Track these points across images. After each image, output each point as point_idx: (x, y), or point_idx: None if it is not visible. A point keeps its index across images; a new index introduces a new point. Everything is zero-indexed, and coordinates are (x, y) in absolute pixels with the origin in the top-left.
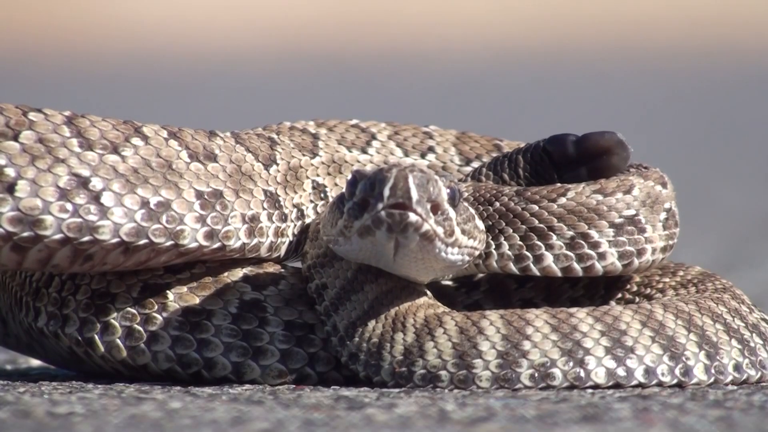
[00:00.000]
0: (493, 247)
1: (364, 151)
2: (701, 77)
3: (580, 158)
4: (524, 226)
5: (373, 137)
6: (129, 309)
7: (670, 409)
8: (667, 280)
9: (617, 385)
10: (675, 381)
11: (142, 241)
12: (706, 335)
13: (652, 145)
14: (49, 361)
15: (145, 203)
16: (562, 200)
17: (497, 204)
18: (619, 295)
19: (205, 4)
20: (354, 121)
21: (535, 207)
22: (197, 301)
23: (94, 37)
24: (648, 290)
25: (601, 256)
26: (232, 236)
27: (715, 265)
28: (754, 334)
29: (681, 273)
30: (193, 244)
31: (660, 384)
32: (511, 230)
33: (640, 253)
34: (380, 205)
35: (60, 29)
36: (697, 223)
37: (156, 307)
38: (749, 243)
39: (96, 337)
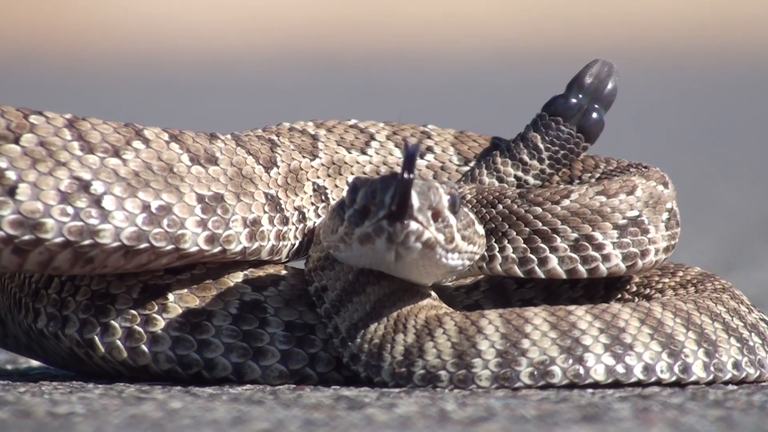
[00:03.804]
0: (497, 250)
1: (363, 152)
2: (701, 77)
3: (585, 96)
4: (528, 229)
5: (372, 138)
6: (129, 310)
7: (670, 409)
8: (666, 280)
9: (617, 385)
10: (674, 378)
11: (143, 245)
12: (705, 333)
13: (652, 145)
14: (48, 362)
15: (146, 207)
16: (566, 202)
17: (500, 207)
18: (619, 296)
19: (206, 4)
20: (353, 122)
21: (539, 209)
22: (197, 302)
23: (94, 38)
24: (647, 290)
25: (606, 258)
26: (233, 240)
27: (715, 265)
28: (752, 334)
29: (680, 273)
30: (194, 248)
31: (659, 381)
32: (515, 233)
33: (644, 254)
34: (381, 213)
35: (60, 29)
36: (697, 223)
37: (156, 308)
38: (749, 243)
39: (96, 338)
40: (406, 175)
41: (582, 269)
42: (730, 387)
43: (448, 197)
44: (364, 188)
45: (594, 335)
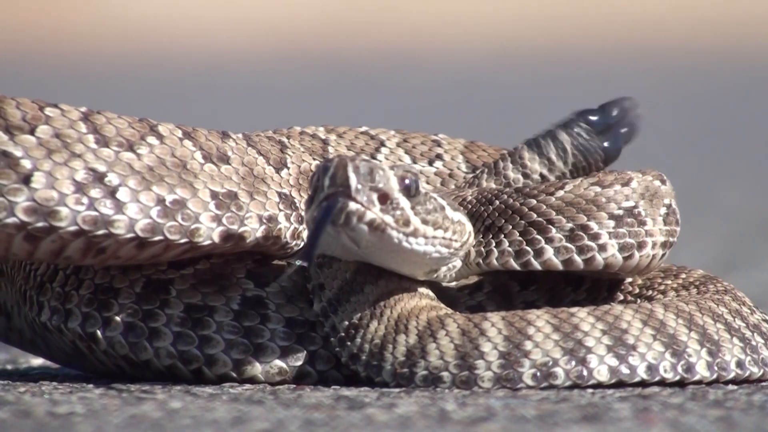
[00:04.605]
0: (494, 245)
1: (372, 158)
2: (701, 77)
3: (618, 122)
4: (523, 221)
5: (382, 144)
6: (131, 304)
7: (670, 409)
8: (669, 282)
9: (618, 385)
10: (677, 378)
11: (157, 238)
12: (708, 333)
13: (652, 145)
14: (51, 358)
15: (160, 200)
16: (560, 193)
17: (497, 202)
18: (622, 298)
19: (206, 3)
20: (363, 128)
21: (533, 201)
22: (199, 297)
23: (94, 37)
24: (650, 292)
25: (602, 248)
26: (248, 237)
27: (715, 265)
28: (755, 334)
29: (683, 276)
30: (208, 242)
31: (663, 381)
32: (511, 226)
33: (641, 245)
34: (321, 195)
35: (60, 29)
36: (697, 223)
37: (158, 303)
38: (749, 243)
39: (98, 332)
40: (344, 159)
41: (578, 259)
42: (730, 387)
43: (400, 180)
44: (315, 173)
45: (597, 337)
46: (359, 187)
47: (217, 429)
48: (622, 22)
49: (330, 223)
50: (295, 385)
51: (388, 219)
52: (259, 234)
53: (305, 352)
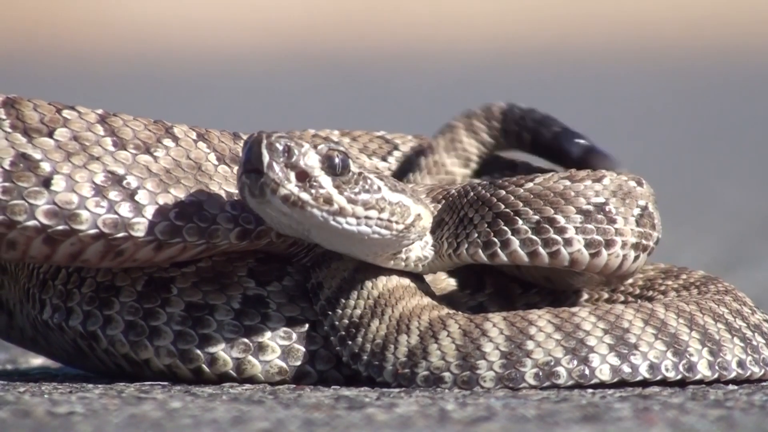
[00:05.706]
0: (465, 236)
1: (384, 159)
2: (701, 77)
3: (577, 161)
4: (492, 212)
5: (396, 148)
6: (132, 303)
7: (670, 409)
8: (669, 282)
9: (619, 384)
10: (679, 377)
11: (176, 239)
12: (708, 333)
13: (652, 145)
14: (52, 356)
15: (178, 203)
16: (529, 185)
17: (471, 194)
18: (623, 299)
19: (208, 4)
20: (380, 133)
21: (502, 192)
22: (200, 295)
23: (96, 37)
24: (650, 293)
25: (567, 242)
26: (264, 236)
27: (715, 265)
28: (756, 334)
29: (684, 276)
30: (224, 242)
31: (664, 379)
32: (481, 217)
33: (609, 244)
34: (240, 171)
35: (60, 29)
36: (697, 223)
37: (159, 301)
38: (749, 243)
39: (99, 330)
40: (260, 135)
41: (543, 252)
42: (731, 387)
43: (324, 158)
44: None
45: (598, 336)
46: (273, 163)
47: (217, 429)
48: (622, 22)
49: (249, 194)
50: (295, 385)
51: (305, 196)
52: (273, 232)
53: (305, 351)
